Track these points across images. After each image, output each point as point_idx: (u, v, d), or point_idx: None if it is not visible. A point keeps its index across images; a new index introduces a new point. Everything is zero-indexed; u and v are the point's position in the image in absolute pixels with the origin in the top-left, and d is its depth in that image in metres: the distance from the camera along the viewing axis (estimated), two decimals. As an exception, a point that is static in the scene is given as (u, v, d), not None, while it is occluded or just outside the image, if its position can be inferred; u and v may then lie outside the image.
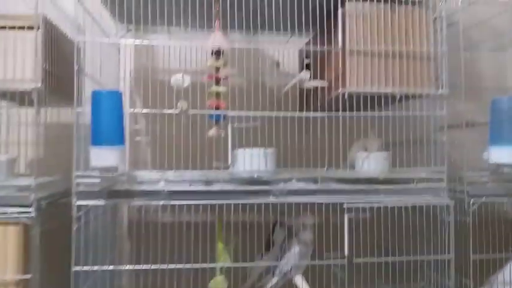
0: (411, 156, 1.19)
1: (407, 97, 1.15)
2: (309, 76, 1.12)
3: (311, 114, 1.12)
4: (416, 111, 1.17)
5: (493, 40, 1.52)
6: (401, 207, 1.10)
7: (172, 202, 1.05)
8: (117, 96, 0.99)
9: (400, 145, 1.21)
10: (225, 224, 1.16)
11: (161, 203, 1.04)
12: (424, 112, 1.14)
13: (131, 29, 1.44)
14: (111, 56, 1.42)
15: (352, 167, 1.26)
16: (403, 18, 1.12)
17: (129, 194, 1.05)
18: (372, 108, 1.20)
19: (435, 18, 1.14)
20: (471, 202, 1.13)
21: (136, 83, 1.56)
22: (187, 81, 1.07)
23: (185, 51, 1.24)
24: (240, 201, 1.06)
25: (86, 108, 1.04)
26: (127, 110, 1.21)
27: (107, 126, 0.95)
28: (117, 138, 0.96)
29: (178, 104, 1.06)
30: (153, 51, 1.58)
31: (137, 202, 1.05)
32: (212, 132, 1.13)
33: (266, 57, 1.42)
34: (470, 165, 1.19)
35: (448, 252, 1.11)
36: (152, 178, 1.09)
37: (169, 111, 1.08)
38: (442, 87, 1.13)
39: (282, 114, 1.10)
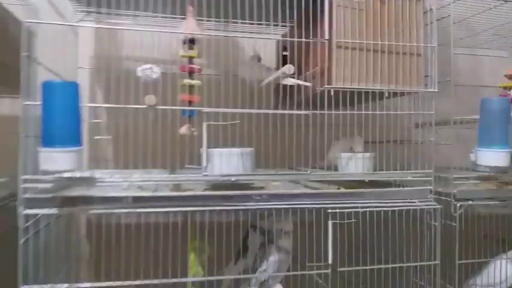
0: (398, 157, 1.12)
1: (395, 94, 1.08)
2: (293, 71, 1.02)
3: (294, 111, 1.02)
4: (405, 109, 1.10)
5: (470, 37, 1.48)
6: (387, 211, 1.03)
7: (138, 210, 0.92)
8: (73, 88, 0.85)
9: (384, 144, 1.15)
10: (198, 231, 1.05)
11: (125, 211, 0.92)
12: (413, 110, 1.08)
13: (91, 11, 1.29)
14: (68, 42, 1.27)
15: (332, 167, 1.18)
16: (392, 11, 1.04)
17: (87, 201, 0.91)
18: (354, 104, 1.13)
19: (425, 12, 1.08)
20: (458, 206, 1.08)
21: (97, 73, 1.41)
22: (156, 72, 0.95)
23: (154, 39, 1.11)
24: (216, 208, 0.95)
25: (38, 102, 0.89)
26: (86, 103, 1.08)
27: (61, 124, 0.81)
28: (72, 138, 0.82)
29: (146, 98, 0.93)
30: (116, 38, 1.43)
31: (97, 210, 0.91)
32: (184, 129, 1.01)
33: (243, 49, 1.32)
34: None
35: (435, 259, 1.06)
36: (115, 181, 0.96)
37: (135, 106, 0.95)
38: (431, 85, 1.07)
39: (263, 111, 1.00)
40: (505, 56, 1.38)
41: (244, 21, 1.13)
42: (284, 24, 1.27)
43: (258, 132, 1.05)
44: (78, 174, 0.94)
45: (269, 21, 1.16)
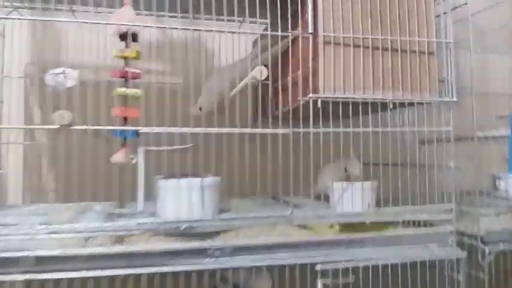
0: (407, 185, 0.85)
1: (402, 105, 0.82)
2: (266, 74, 0.76)
3: (269, 130, 0.75)
4: (406, 122, 0.84)
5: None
6: (397, 263, 0.76)
7: (47, 275, 0.64)
8: None
9: (389, 168, 0.88)
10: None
11: (25, 277, 0.63)
12: (425, 126, 0.82)
13: (21, 7, 1.03)
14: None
15: (322, 196, 0.92)
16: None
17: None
18: (347, 117, 0.86)
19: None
20: (487, 251, 0.82)
21: (31, 83, 1.15)
22: (72, 78, 0.68)
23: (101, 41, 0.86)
24: (156, 269, 0.67)
25: None
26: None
27: None
28: None
29: (56, 115, 0.66)
30: (56, 41, 1.17)
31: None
32: (118, 157, 0.74)
33: (205, 51, 1.06)
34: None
35: (460, 325, 0.80)
36: (11, 231, 0.68)
37: (42, 126, 0.69)
38: (448, 93, 0.82)
39: (225, 130, 0.73)
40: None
41: (208, 16, 0.87)
42: (262, 20, 1.02)
43: (221, 157, 0.78)
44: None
45: (241, 17, 0.91)
